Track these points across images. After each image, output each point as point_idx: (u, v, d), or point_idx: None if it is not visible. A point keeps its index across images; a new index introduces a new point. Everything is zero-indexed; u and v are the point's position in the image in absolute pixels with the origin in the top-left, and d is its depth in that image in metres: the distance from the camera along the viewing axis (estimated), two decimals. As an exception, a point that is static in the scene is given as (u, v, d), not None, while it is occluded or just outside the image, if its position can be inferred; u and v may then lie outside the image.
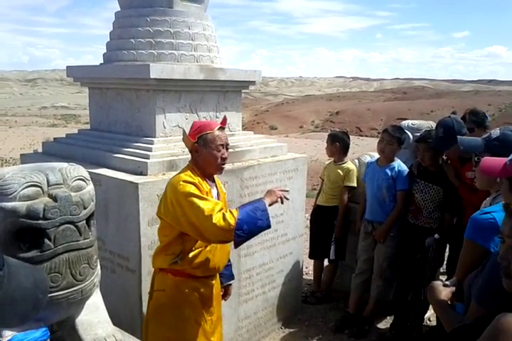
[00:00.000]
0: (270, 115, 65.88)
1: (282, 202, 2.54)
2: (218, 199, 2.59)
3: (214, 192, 2.60)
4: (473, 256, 1.98)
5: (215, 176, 2.69)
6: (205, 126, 2.55)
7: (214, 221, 2.29)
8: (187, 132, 2.59)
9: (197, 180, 2.47)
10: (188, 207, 2.35)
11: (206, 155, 2.51)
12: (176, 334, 2.55)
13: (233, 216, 2.32)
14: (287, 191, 2.59)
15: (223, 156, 2.54)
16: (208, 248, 2.54)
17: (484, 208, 2.18)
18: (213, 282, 2.69)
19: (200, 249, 2.52)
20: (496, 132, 2.28)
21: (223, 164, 2.58)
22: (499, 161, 1.77)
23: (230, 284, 2.97)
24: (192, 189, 2.39)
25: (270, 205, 2.45)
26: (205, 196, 2.41)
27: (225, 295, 2.96)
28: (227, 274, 2.90)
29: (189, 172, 2.50)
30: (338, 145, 4.42)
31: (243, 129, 4.17)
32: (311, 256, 4.74)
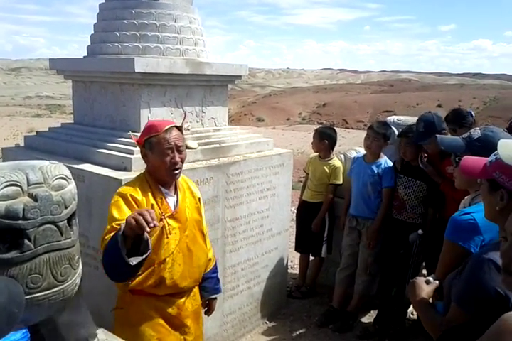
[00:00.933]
0: (257, 107, 65.77)
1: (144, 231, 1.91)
2: (176, 207, 2.33)
3: (171, 200, 2.34)
4: (453, 257, 1.99)
5: (184, 182, 2.48)
6: (152, 128, 2.28)
7: (101, 248, 2.10)
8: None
9: (139, 191, 2.23)
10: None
11: (154, 160, 2.28)
12: None
13: (103, 245, 2.06)
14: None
15: (173, 161, 2.25)
16: (161, 266, 2.27)
17: (464, 208, 2.19)
18: (181, 300, 2.41)
19: (152, 268, 2.26)
20: (476, 132, 2.26)
21: (175, 169, 2.28)
22: (479, 161, 1.77)
23: (215, 298, 2.70)
24: (116, 205, 2.17)
25: (129, 233, 1.90)
26: (118, 215, 2.13)
27: (208, 310, 2.71)
28: (209, 287, 2.64)
29: (134, 183, 2.30)
30: (327, 142, 4.42)
31: (230, 121, 4.15)
32: (296, 249, 4.76)
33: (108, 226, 2.14)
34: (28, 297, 1.66)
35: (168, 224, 2.29)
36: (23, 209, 1.60)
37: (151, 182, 2.31)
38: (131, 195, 2.21)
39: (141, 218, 1.82)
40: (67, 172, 1.84)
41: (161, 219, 2.25)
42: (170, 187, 2.37)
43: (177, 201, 2.36)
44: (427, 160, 3.82)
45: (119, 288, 2.37)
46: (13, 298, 0.97)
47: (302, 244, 4.67)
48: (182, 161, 2.32)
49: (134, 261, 1.87)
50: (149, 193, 2.28)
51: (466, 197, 2.41)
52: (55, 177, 1.75)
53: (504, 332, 1.18)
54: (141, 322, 2.30)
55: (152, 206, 2.24)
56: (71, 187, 1.81)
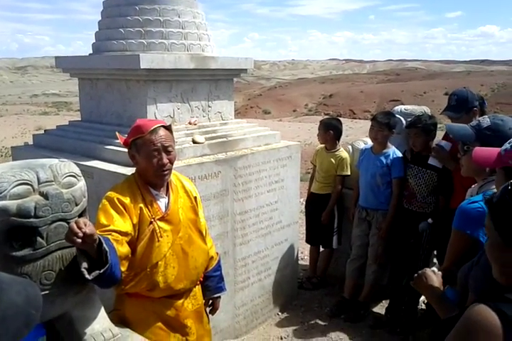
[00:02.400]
0: (263, 99, 65.58)
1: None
2: (167, 209, 2.26)
3: (162, 202, 2.28)
4: (462, 246, 1.99)
5: (178, 180, 2.43)
6: (137, 129, 2.21)
7: None
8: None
9: (128, 194, 2.18)
10: None
11: (141, 162, 2.22)
12: None
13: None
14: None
15: (160, 163, 2.18)
16: (154, 270, 2.22)
17: (472, 197, 2.19)
18: (179, 301, 2.36)
19: (144, 272, 2.21)
20: (485, 121, 2.23)
21: (164, 171, 2.21)
22: (491, 151, 1.77)
23: (218, 297, 2.65)
24: (103, 210, 2.11)
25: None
26: (104, 221, 2.07)
27: (212, 309, 2.66)
28: (211, 286, 2.59)
29: (124, 185, 2.25)
30: (332, 133, 4.41)
31: (236, 114, 4.15)
32: (307, 241, 4.78)
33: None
34: (42, 293, 1.69)
35: (159, 227, 2.22)
36: (35, 208, 1.63)
37: (141, 184, 2.25)
38: (118, 199, 2.14)
39: (68, 231, 1.67)
40: (77, 170, 1.87)
41: (150, 223, 2.20)
42: (161, 188, 2.29)
43: (168, 202, 2.29)
44: (443, 138, 3.80)
45: (115, 290, 2.32)
46: (31, 301, 0.99)
47: (313, 236, 4.69)
48: (171, 162, 2.25)
49: (91, 275, 1.73)
50: (138, 196, 2.21)
51: (473, 186, 2.40)
52: (65, 175, 1.78)
53: (472, 322, 1.22)
54: (138, 324, 2.25)
55: (141, 209, 2.18)
56: (81, 184, 1.84)
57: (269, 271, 4.03)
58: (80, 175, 1.86)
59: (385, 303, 4.30)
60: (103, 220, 2.09)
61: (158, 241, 2.21)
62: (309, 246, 4.88)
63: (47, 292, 1.67)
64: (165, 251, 2.25)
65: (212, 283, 2.59)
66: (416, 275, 1.96)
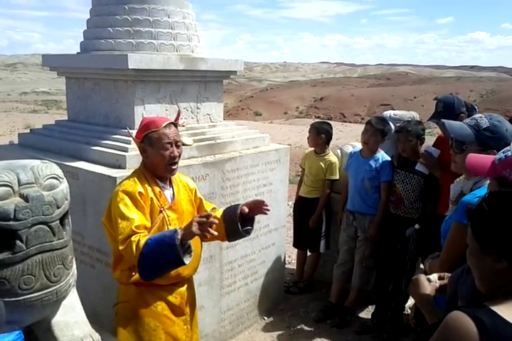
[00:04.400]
0: (254, 101, 65.64)
1: (205, 237, 2.21)
2: (173, 200, 2.43)
3: (168, 193, 2.45)
4: (462, 239, 1.97)
5: (176, 177, 2.54)
6: (151, 124, 2.38)
7: (121, 248, 2.19)
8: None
9: (140, 186, 2.31)
10: (115, 222, 2.25)
11: (153, 155, 2.36)
12: None
13: (138, 248, 2.13)
14: (214, 221, 2.16)
15: (172, 155, 2.36)
16: None
17: (472, 192, 2.17)
18: (183, 289, 2.52)
19: None
20: (483, 121, 2.21)
21: (173, 164, 2.39)
22: (485, 159, 1.75)
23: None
24: (124, 203, 2.25)
25: (189, 239, 2.15)
26: (131, 215, 2.23)
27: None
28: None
29: (134, 178, 2.36)
30: (324, 137, 4.40)
31: (227, 116, 4.13)
32: (294, 245, 4.76)
33: (124, 226, 2.20)
34: (20, 298, 1.65)
35: (168, 216, 2.37)
36: (15, 210, 1.58)
37: (148, 177, 2.39)
38: (139, 193, 2.29)
39: (206, 222, 2.08)
40: (59, 172, 1.82)
41: (160, 211, 2.35)
42: (166, 181, 2.46)
43: (173, 194, 2.46)
44: (433, 145, 3.81)
45: (121, 283, 2.44)
46: None
47: (300, 240, 4.66)
48: (179, 156, 2.42)
49: (186, 260, 2.11)
50: (148, 187, 2.35)
51: (456, 181, 2.40)
52: (46, 177, 1.73)
53: (450, 329, 1.23)
54: (147, 313, 2.39)
55: (152, 200, 2.33)
56: (63, 186, 1.79)
57: (256, 275, 4.00)
58: (63, 177, 1.81)
59: (371, 309, 4.29)
60: (129, 214, 2.23)
61: (168, 228, 2.33)
62: (296, 250, 4.86)
63: (26, 296, 1.62)
64: None
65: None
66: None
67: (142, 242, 2.13)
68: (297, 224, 4.69)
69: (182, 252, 2.09)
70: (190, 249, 2.17)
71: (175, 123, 2.44)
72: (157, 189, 2.38)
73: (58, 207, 1.73)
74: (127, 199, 2.26)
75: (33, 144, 3.65)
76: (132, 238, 2.17)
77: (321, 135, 4.40)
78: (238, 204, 2.53)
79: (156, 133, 2.34)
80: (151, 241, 2.13)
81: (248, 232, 2.54)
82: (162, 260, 2.11)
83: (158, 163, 2.36)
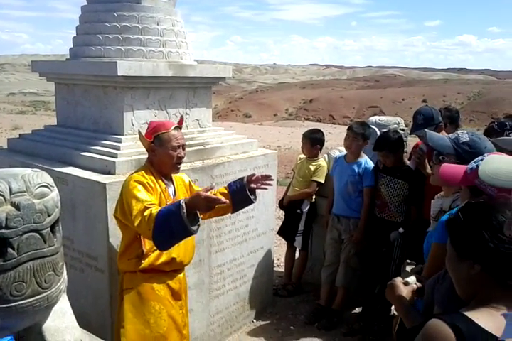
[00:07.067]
0: (244, 103, 65.62)
1: (213, 207, 2.34)
2: (175, 196, 2.65)
3: (171, 190, 2.68)
4: (443, 258, 2.03)
5: (176, 175, 2.77)
6: (161, 126, 2.61)
7: (135, 223, 2.35)
8: (143, 132, 2.66)
9: (149, 179, 2.54)
10: (128, 205, 2.42)
11: (162, 154, 2.58)
12: (151, 330, 2.61)
13: (151, 221, 2.27)
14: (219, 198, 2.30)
15: (179, 155, 2.61)
16: None
17: (452, 210, 2.23)
18: (181, 275, 2.79)
19: None
20: (464, 136, 2.29)
21: (179, 163, 2.64)
22: (459, 169, 1.82)
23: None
24: (137, 189, 2.44)
25: (199, 210, 2.28)
26: (143, 196, 2.41)
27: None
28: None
29: (142, 172, 2.57)
30: (319, 147, 4.55)
31: (217, 117, 4.18)
32: (278, 232, 4.88)
33: (136, 205, 2.37)
34: (12, 305, 1.68)
35: None
36: (6, 218, 1.62)
37: (155, 173, 2.61)
38: (147, 183, 2.51)
39: (212, 199, 2.22)
40: (50, 180, 1.86)
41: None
42: (168, 178, 2.70)
43: (174, 191, 2.70)
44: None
45: (127, 272, 2.64)
46: None
47: (283, 229, 4.84)
48: (184, 157, 2.67)
49: (194, 228, 2.24)
50: (155, 182, 2.58)
51: (436, 196, 2.47)
52: (37, 186, 1.77)
53: (428, 338, 1.28)
54: (152, 297, 2.62)
55: (161, 194, 2.56)
56: (54, 194, 1.83)
57: (245, 278, 4.04)
58: (53, 185, 1.85)
59: (358, 311, 4.35)
60: (142, 196, 2.41)
61: None
62: (285, 253, 4.92)
63: (17, 303, 1.66)
64: None
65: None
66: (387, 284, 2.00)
67: (154, 215, 2.28)
68: (285, 218, 4.90)
69: (189, 222, 2.20)
70: (197, 217, 2.29)
71: (180, 127, 2.67)
72: (163, 185, 2.62)
73: (49, 215, 1.76)
74: (139, 186, 2.46)
75: (22, 149, 3.67)
76: (145, 213, 2.32)
77: (316, 145, 4.51)
78: (243, 177, 2.80)
79: (166, 134, 2.56)
80: (160, 213, 2.27)
81: (255, 199, 2.80)
82: (172, 232, 2.26)
83: (166, 162, 2.59)
